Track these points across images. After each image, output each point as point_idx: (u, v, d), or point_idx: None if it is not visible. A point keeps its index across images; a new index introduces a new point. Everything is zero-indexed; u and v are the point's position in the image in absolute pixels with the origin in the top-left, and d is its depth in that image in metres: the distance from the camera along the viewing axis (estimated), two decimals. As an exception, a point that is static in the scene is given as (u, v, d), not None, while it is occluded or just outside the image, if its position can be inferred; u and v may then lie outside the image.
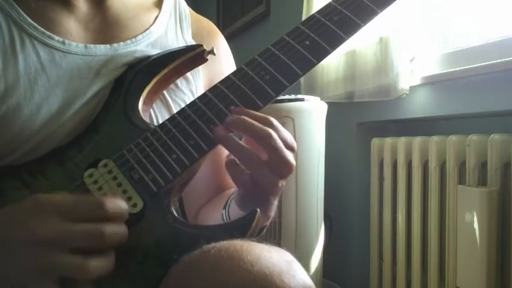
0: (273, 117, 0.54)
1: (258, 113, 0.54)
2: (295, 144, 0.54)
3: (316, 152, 1.51)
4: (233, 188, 0.68)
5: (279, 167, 0.52)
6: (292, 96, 1.50)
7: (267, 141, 0.51)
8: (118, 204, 0.48)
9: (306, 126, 1.48)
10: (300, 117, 1.46)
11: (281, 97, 1.46)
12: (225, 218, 0.63)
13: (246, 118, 0.53)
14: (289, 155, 0.52)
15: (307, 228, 1.50)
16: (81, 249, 0.45)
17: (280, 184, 0.54)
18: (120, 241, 0.47)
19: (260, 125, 0.52)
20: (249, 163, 0.52)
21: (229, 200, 0.63)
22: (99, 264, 0.45)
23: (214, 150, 0.55)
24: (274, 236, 1.48)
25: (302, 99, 1.49)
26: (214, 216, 0.66)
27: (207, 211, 0.71)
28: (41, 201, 0.47)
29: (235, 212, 0.60)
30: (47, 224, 0.45)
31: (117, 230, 0.47)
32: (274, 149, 0.51)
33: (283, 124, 1.44)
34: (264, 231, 0.63)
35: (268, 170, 0.52)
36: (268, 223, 0.62)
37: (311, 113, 1.50)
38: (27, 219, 0.46)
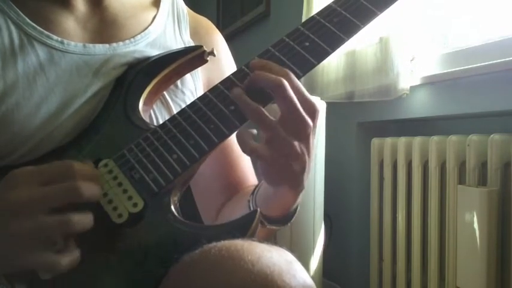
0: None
1: (276, 66, 0.53)
2: (315, 106, 0.52)
3: (315, 152, 1.50)
4: (250, 185, 0.68)
5: (292, 124, 0.51)
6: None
7: (278, 90, 0.50)
8: (86, 166, 0.49)
9: None
10: None
11: None
12: (251, 206, 0.62)
13: (260, 73, 0.52)
14: (303, 112, 0.51)
15: (303, 228, 1.50)
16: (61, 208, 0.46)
17: (299, 149, 0.52)
18: (96, 197, 0.48)
19: (272, 76, 0.51)
20: (262, 123, 0.51)
21: (257, 188, 0.62)
22: (81, 218, 0.46)
23: (222, 148, 0.55)
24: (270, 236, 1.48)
25: None
26: (238, 207, 0.65)
27: (231, 207, 0.70)
28: (15, 173, 0.47)
29: (265, 193, 0.59)
30: (21, 191, 0.45)
31: (91, 185, 0.47)
32: (285, 98, 0.50)
33: None
34: (297, 212, 0.62)
35: (282, 130, 0.50)
36: (299, 200, 0.60)
37: None
38: (3, 192, 0.46)
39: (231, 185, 0.73)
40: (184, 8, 0.74)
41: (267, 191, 0.59)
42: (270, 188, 0.58)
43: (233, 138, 0.55)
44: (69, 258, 0.45)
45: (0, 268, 0.46)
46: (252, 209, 0.61)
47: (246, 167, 0.74)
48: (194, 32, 0.73)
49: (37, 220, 0.44)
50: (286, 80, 0.51)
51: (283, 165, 0.53)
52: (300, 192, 0.58)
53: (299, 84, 0.52)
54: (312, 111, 0.52)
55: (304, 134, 0.52)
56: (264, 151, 0.51)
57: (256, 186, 0.63)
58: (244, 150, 0.51)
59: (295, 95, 0.51)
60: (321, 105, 1.53)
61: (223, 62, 0.75)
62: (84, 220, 0.46)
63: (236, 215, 0.54)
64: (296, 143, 0.52)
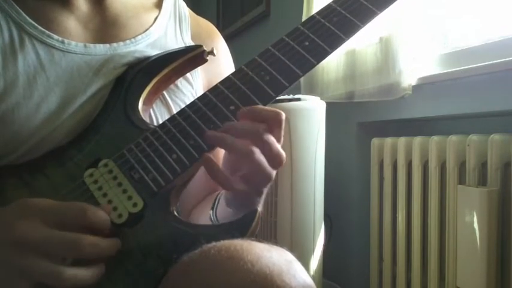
0: None
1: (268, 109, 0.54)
2: (282, 157, 0.54)
3: (312, 152, 1.50)
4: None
5: (256, 177, 0.53)
6: (292, 96, 1.50)
7: (246, 157, 0.52)
8: (100, 214, 0.47)
9: (304, 126, 1.48)
10: (295, 117, 1.47)
11: (280, 97, 1.46)
12: (212, 219, 0.63)
13: (226, 137, 0.53)
14: (269, 169, 0.53)
15: (303, 228, 1.50)
16: (64, 257, 0.45)
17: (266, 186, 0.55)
18: (101, 254, 0.47)
19: (236, 143, 0.52)
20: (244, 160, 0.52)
21: (217, 201, 0.64)
22: (76, 274, 0.45)
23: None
24: (270, 235, 1.48)
25: (299, 99, 1.49)
26: (203, 217, 0.66)
27: (198, 211, 0.71)
28: (28, 205, 0.47)
29: (224, 211, 0.61)
30: (29, 226, 0.45)
31: (96, 242, 0.46)
32: (253, 163, 0.52)
33: None
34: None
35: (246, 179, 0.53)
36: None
37: (310, 112, 1.50)
38: (12, 221, 0.46)
39: (209, 189, 0.73)
40: (186, 10, 0.74)
41: (226, 209, 0.60)
42: (228, 207, 0.60)
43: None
44: None
45: None
46: (213, 222, 0.63)
47: None
48: (195, 34, 0.73)
49: (32, 262, 0.44)
50: (259, 138, 0.52)
51: (247, 198, 0.56)
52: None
53: (269, 140, 0.53)
54: (278, 163, 0.54)
55: (267, 182, 0.54)
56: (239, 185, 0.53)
57: (215, 199, 0.65)
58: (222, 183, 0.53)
59: (266, 152, 0.52)
60: (321, 105, 1.53)
61: (224, 65, 0.75)
62: (79, 276, 0.45)
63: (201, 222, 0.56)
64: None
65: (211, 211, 0.64)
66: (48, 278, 0.44)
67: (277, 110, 0.54)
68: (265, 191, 0.56)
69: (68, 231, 0.45)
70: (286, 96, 1.49)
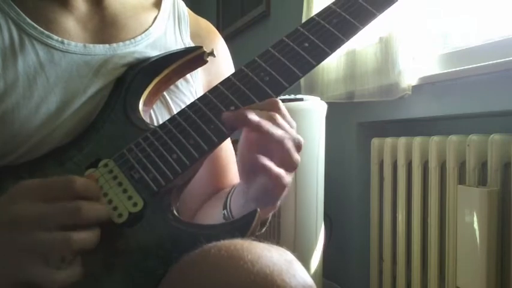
0: None
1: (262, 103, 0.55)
2: (301, 140, 0.55)
3: (315, 152, 1.51)
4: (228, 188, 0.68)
5: (287, 166, 0.53)
6: (292, 96, 1.50)
7: (280, 144, 0.52)
8: (86, 181, 0.49)
9: (304, 126, 1.48)
10: (298, 117, 1.47)
11: (282, 97, 1.47)
12: (227, 218, 0.63)
13: (263, 122, 0.52)
14: (296, 155, 0.53)
15: (306, 228, 1.50)
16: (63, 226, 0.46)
17: (287, 179, 0.54)
18: (98, 217, 0.48)
19: (273, 128, 0.52)
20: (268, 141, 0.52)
21: (229, 199, 0.63)
22: (83, 237, 0.46)
23: (211, 155, 0.55)
24: (273, 235, 1.48)
25: (301, 99, 1.50)
26: (214, 217, 0.66)
27: (205, 212, 0.71)
28: (21, 186, 0.48)
29: (240, 208, 0.60)
30: (22, 206, 0.46)
31: (92, 205, 0.47)
32: (284, 151, 0.52)
33: None
34: (267, 224, 0.63)
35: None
36: (271, 215, 0.62)
37: (310, 113, 1.50)
38: (5, 206, 0.47)
39: (213, 189, 0.73)
40: (185, 10, 0.74)
41: (245, 205, 0.59)
42: (245, 203, 0.59)
43: (223, 145, 0.56)
44: (65, 275, 0.45)
45: None
46: (226, 218, 0.63)
47: (233, 174, 0.74)
48: (195, 34, 0.73)
49: (34, 236, 0.44)
50: (283, 125, 0.53)
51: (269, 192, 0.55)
52: (276, 208, 0.59)
53: (286, 124, 0.54)
54: (299, 147, 0.54)
55: (293, 168, 0.54)
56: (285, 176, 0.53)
57: (226, 199, 0.64)
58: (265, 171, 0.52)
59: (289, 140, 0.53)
60: (320, 106, 1.54)
61: (223, 65, 0.75)
62: (85, 238, 0.46)
63: (210, 221, 0.56)
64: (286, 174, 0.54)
65: (224, 211, 0.63)
66: (59, 245, 0.45)
67: (271, 99, 0.55)
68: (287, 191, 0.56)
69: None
70: (287, 96, 1.49)
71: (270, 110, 0.54)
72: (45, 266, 0.44)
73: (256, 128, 0.52)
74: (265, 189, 0.54)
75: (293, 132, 0.54)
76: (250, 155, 0.53)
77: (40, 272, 0.44)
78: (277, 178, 0.52)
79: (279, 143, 0.52)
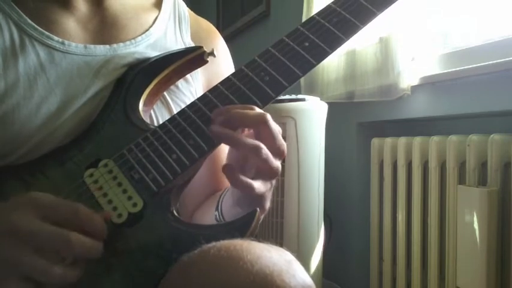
0: (274, 117, 0.54)
1: (250, 113, 0.54)
2: (284, 147, 0.54)
3: (317, 151, 1.51)
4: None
5: (267, 173, 0.53)
6: (293, 96, 1.50)
7: (255, 154, 0.52)
8: (92, 216, 0.47)
9: (307, 126, 1.48)
10: (302, 117, 1.47)
11: (282, 97, 1.47)
12: (218, 219, 0.63)
13: (233, 134, 0.52)
14: (276, 163, 0.53)
15: (308, 228, 1.50)
16: (52, 253, 0.45)
17: (270, 185, 0.55)
18: (88, 254, 0.46)
19: (246, 139, 0.52)
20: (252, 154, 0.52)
21: (220, 201, 0.64)
22: (63, 273, 0.45)
23: (210, 156, 0.55)
24: (276, 236, 1.48)
25: (303, 99, 1.50)
26: (208, 217, 0.66)
27: (201, 212, 0.71)
28: (26, 197, 0.47)
29: (231, 210, 0.61)
30: (24, 218, 0.45)
31: (84, 241, 0.45)
32: (262, 160, 0.52)
33: (284, 124, 1.44)
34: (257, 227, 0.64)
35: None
36: (262, 217, 0.63)
37: (313, 113, 1.51)
38: (7, 212, 0.46)
39: (212, 189, 0.73)
40: (186, 10, 0.74)
41: (234, 208, 0.60)
42: (232, 206, 0.60)
43: (222, 145, 0.56)
44: (63, 269, 0.45)
45: None
46: (220, 222, 0.63)
47: None
48: (195, 34, 0.73)
49: (21, 254, 0.44)
50: (264, 135, 0.53)
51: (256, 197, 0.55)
52: (266, 211, 0.59)
53: (269, 132, 0.53)
54: (282, 154, 0.54)
55: (272, 176, 0.54)
56: (257, 186, 0.53)
57: (218, 200, 0.65)
58: (235, 184, 0.52)
59: (270, 144, 0.53)
60: (322, 106, 1.54)
61: (223, 65, 0.75)
62: (64, 275, 0.45)
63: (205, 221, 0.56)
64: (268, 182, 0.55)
65: (216, 212, 0.64)
66: (37, 272, 0.44)
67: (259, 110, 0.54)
68: (274, 183, 0.56)
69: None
70: (288, 96, 1.49)
71: (257, 122, 0.53)
72: (20, 282, 0.44)
73: (234, 143, 0.53)
74: (244, 195, 0.55)
75: (276, 139, 0.54)
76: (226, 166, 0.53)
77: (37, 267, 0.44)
78: (248, 190, 0.52)
79: (254, 152, 0.52)
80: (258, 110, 0.54)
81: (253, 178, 0.53)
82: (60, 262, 0.45)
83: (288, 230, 1.48)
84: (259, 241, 0.49)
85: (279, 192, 1.47)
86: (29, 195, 0.47)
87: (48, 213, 0.46)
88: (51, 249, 0.45)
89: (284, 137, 1.46)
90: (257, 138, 0.53)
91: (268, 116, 0.53)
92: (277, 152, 0.54)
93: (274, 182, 0.56)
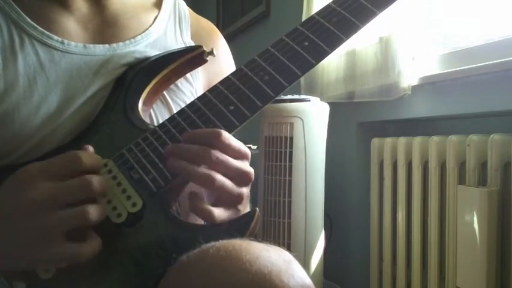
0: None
1: (200, 131, 0.55)
2: (250, 175, 0.54)
3: (322, 151, 1.53)
4: None
5: (228, 201, 0.54)
6: (295, 97, 1.50)
7: (207, 184, 0.52)
8: (92, 156, 0.51)
9: (313, 126, 1.50)
10: (308, 117, 1.49)
11: (290, 97, 1.48)
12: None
13: (185, 165, 0.52)
14: (237, 190, 0.53)
15: (314, 228, 1.51)
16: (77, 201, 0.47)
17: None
18: (106, 189, 0.50)
19: (195, 170, 0.52)
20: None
21: None
22: (97, 209, 0.48)
23: None
24: (284, 236, 1.48)
25: (309, 100, 1.51)
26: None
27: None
28: (26, 171, 0.49)
29: None
30: (34, 190, 0.47)
31: (99, 179, 0.49)
32: (217, 189, 0.52)
33: (292, 124, 1.46)
34: None
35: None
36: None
37: (318, 113, 1.52)
38: (15, 193, 0.48)
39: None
40: (186, 10, 0.74)
41: None
42: None
43: None
44: (89, 246, 0.47)
45: (23, 262, 0.47)
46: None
47: None
48: (195, 34, 0.73)
49: (55, 215, 0.46)
50: (216, 151, 0.52)
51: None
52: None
53: (223, 159, 0.53)
54: (246, 180, 0.54)
55: (236, 202, 0.54)
56: (217, 213, 0.53)
57: None
58: (196, 212, 0.53)
59: (225, 173, 0.52)
60: (324, 108, 1.54)
61: (224, 64, 0.75)
62: (98, 210, 0.48)
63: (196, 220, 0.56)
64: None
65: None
66: (78, 219, 0.46)
67: (214, 129, 0.54)
68: (244, 207, 0.56)
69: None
70: (297, 96, 1.50)
71: (211, 143, 0.53)
72: (68, 242, 0.46)
73: (186, 175, 0.53)
74: None
75: (233, 165, 0.53)
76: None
77: (65, 249, 0.46)
78: (208, 218, 0.52)
79: (205, 184, 0.52)
80: (215, 130, 0.54)
81: (215, 204, 0.53)
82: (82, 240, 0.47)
83: (295, 230, 1.48)
84: (258, 241, 0.49)
85: (286, 192, 1.47)
86: (21, 172, 0.49)
87: (51, 174, 0.48)
88: (76, 196, 0.47)
89: (291, 137, 1.47)
90: (208, 165, 0.52)
91: (225, 136, 0.53)
92: (237, 178, 0.53)
93: (241, 207, 0.55)
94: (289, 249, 1.32)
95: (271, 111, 1.48)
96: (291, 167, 1.46)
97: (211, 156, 0.52)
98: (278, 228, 1.48)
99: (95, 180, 0.48)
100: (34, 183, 0.47)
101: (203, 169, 0.52)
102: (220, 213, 0.53)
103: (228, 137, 0.53)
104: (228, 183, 0.52)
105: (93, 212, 0.47)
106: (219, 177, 0.52)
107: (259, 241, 0.49)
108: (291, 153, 1.46)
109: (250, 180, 0.54)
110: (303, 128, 1.46)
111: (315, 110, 1.51)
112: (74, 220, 0.47)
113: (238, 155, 0.54)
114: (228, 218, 0.53)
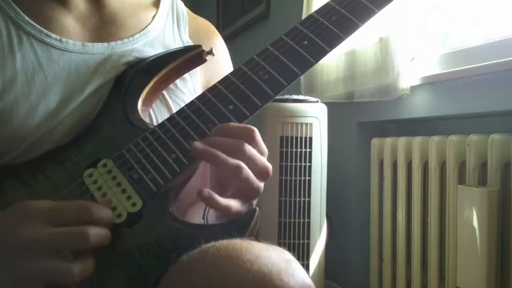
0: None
1: (236, 125, 0.55)
2: (268, 170, 0.55)
3: (325, 151, 1.54)
4: None
5: (247, 193, 0.54)
6: (294, 97, 1.51)
7: (235, 174, 0.52)
8: (102, 209, 0.49)
9: (325, 126, 1.52)
10: (323, 118, 1.51)
11: (302, 98, 1.51)
12: (204, 216, 0.63)
13: (215, 152, 0.52)
14: (257, 183, 0.53)
15: (312, 228, 1.52)
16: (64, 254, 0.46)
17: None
18: (102, 243, 0.48)
19: (227, 159, 0.52)
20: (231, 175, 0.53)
21: (206, 212, 0.63)
22: (83, 268, 0.46)
23: None
24: (303, 236, 1.49)
25: (307, 101, 1.52)
26: (196, 215, 0.66)
27: (192, 213, 0.71)
28: (28, 208, 0.48)
29: (215, 220, 0.61)
30: (32, 229, 0.46)
31: (100, 231, 0.48)
32: (242, 180, 0.52)
33: (311, 125, 1.49)
34: None
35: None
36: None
37: (324, 114, 1.53)
38: (14, 226, 0.47)
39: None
40: (184, 9, 0.74)
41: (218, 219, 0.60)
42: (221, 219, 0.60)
43: None
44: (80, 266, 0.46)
45: None
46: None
47: None
48: (193, 33, 0.73)
49: (42, 264, 0.45)
50: (246, 152, 0.53)
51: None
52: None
53: (253, 154, 0.54)
54: (266, 175, 0.55)
55: (253, 196, 0.55)
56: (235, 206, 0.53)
57: (204, 210, 0.65)
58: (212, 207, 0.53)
59: (252, 166, 0.53)
60: (322, 108, 1.54)
61: (222, 64, 0.75)
62: (85, 269, 0.47)
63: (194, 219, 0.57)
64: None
65: (202, 220, 0.64)
66: (62, 276, 0.45)
67: (248, 125, 0.55)
68: (255, 203, 0.57)
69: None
70: (289, 96, 1.50)
71: (245, 138, 0.54)
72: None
73: (214, 161, 0.53)
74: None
75: (260, 161, 0.54)
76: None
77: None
78: (225, 210, 0.52)
79: (233, 173, 0.52)
80: (249, 126, 0.55)
81: (233, 196, 0.53)
82: (75, 260, 0.46)
83: (314, 230, 1.49)
84: (258, 241, 0.49)
85: (306, 192, 1.48)
86: (29, 205, 0.48)
87: (54, 218, 0.47)
88: (70, 248, 0.46)
89: (310, 138, 1.49)
90: (240, 158, 0.52)
91: (257, 132, 0.54)
92: (260, 173, 0.54)
93: (255, 201, 0.56)
94: (308, 249, 1.33)
95: (284, 111, 1.48)
96: (309, 167, 1.48)
97: (246, 149, 0.53)
98: (297, 228, 1.49)
99: (93, 231, 0.47)
100: (34, 222, 0.46)
101: (234, 159, 0.52)
102: (237, 206, 0.53)
103: (258, 133, 0.55)
104: (251, 175, 0.53)
105: (80, 270, 0.46)
106: (247, 169, 0.52)
107: (259, 241, 0.49)
108: (310, 153, 1.48)
109: (269, 175, 0.55)
110: (320, 128, 1.48)
111: (310, 111, 1.53)
112: (56, 275, 0.46)
113: (263, 152, 0.55)
114: (243, 211, 0.54)
